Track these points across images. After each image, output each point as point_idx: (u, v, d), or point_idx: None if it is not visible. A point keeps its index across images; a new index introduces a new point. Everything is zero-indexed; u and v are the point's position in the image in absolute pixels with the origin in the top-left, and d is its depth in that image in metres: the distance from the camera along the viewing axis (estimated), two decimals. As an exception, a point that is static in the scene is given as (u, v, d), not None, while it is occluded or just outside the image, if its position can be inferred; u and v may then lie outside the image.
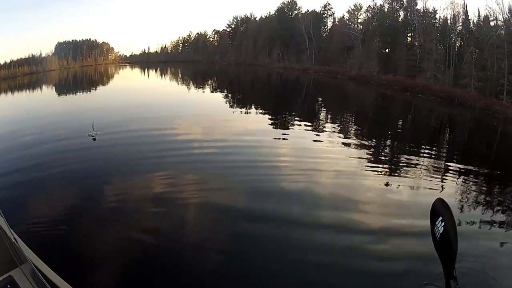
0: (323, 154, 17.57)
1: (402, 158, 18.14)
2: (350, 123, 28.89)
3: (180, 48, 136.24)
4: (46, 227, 9.22)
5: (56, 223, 9.46)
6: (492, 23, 44.53)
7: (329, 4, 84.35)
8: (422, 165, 16.66)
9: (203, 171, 13.87)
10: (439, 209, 2.14)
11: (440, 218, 2.07)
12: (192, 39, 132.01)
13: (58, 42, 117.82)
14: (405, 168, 16.29)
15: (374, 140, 22.24)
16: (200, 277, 7.58)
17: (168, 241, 8.95)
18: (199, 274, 7.65)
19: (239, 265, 8.05)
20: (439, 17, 55.49)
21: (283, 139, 20.96)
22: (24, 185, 12.39)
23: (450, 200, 11.65)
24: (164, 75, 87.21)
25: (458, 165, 16.87)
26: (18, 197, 11.32)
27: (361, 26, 70.63)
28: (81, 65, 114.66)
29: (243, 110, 31.89)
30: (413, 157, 17.88)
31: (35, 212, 10.04)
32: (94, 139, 17.97)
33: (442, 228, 2.02)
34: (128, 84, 63.45)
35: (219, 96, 42.95)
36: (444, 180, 14.46)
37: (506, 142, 25.51)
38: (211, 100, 38.31)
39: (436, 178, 14.63)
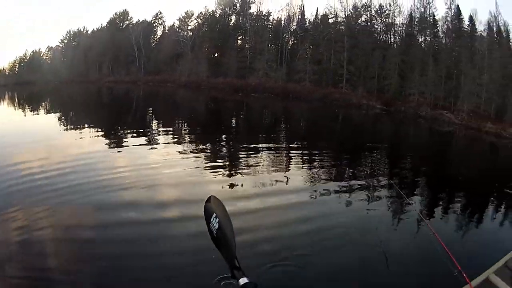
0: (161, 162, 17.13)
1: (244, 153, 18.79)
2: (184, 129, 29.85)
3: (16, 69, 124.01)
4: None
5: None
6: (331, 20, 50.47)
7: (160, 12, 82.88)
8: (266, 155, 17.93)
9: (52, 199, 12.19)
10: (212, 206, 2.15)
11: (214, 215, 2.08)
12: (28, 58, 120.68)
13: None
14: (248, 161, 16.91)
15: (210, 142, 22.60)
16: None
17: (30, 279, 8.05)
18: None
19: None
20: (273, 18, 59.20)
21: (118, 152, 20.57)
22: None
23: (297, 179, 13.74)
24: (2, 100, 76.92)
25: (301, 149, 19.06)
26: None
27: (191, 33, 70.97)
28: None
29: (77, 130, 29.99)
30: (255, 150, 19.25)
31: None
32: None
33: (217, 224, 2.04)
34: None
35: (52, 118, 39.34)
36: (289, 168, 15.50)
37: (348, 124, 29.78)
38: (45, 124, 35.52)
39: (281, 166, 15.90)
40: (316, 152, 18.11)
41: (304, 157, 17.26)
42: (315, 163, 16.14)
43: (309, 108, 36.64)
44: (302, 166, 15.62)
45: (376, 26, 47.91)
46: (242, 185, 13.25)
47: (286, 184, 13.14)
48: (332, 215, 10.51)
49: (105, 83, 78.43)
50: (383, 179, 13.99)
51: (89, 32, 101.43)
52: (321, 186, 12.66)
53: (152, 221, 10.26)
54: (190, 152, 19.51)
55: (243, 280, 1.75)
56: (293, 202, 11.29)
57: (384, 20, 47.15)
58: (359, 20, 47.36)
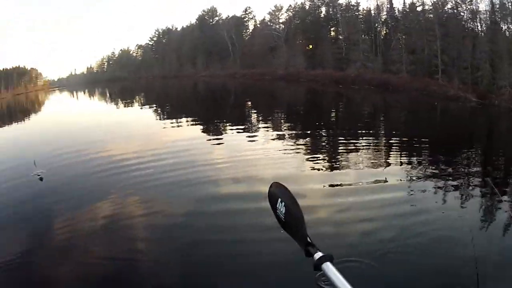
0: (259, 154, 16.99)
1: (342, 147, 18.24)
2: (283, 121, 28.72)
3: (105, 66, 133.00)
4: None
5: (9, 263, 8.37)
6: (419, 8, 47.26)
7: (249, 7, 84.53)
8: (365, 148, 17.20)
9: (149, 189, 13.02)
10: (276, 192, 1.99)
11: (279, 199, 1.92)
12: (116, 56, 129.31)
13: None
14: (346, 155, 16.40)
15: (309, 135, 21.67)
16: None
17: (124, 264, 8.39)
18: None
19: (204, 274, 7.79)
20: (363, 8, 57.31)
21: (218, 144, 20.70)
22: None
23: (396, 177, 12.52)
24: (93, 96, 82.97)
25: (402, 143, 18.00)
26: None
27: (283, 26, 71.14)
28: (13, 94, 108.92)
29: (174, 122, 30.20)
30: (354, 143, 18.31)
31: None
32: (41, 179, 15.17)
33: (284, 208, 1.89)
34: (59, 109, 59.10)
35: (148, 111, 41.37)
36: (389, 161, 14.83)
37: (447, 117, 27.25)
38: (141, 117, 36.93)
39: (377, 160, 14.92)
40: (414, 147, 17.34)
41: (402, 152, 16.70)
42: (413, 158, 15.50)
43: (408, 100, 34.73)
44: (400, 161, 14.87)
45: (462, 14, 43.64)
46: (338, 179, 12.82)
47: (381, 179, 12.50)
48: (421, 212, 9.95)
49: (201, 77, 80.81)
50: (478, 176, 12.88)
51: (178, 29, 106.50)
52: (415, 182, 12.05)
53: (242, 211, 10.37)
54: (289, 145, 18.98)
55: (318, 255, 1.64)
56: (385, 197, 10.94)
57: (468, 7, 43.47)
58: (446, 8, 44.16)
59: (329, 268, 1.52)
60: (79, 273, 8.01)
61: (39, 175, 15.41)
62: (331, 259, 1.55)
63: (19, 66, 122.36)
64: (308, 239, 1.73)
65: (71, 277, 7.90)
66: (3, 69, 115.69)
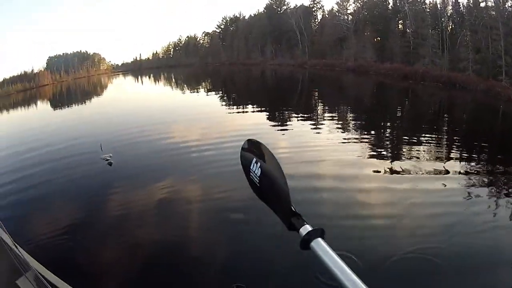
0: (324, 145, 17.88)
1: (405, 144, 18.66)
2: (349, 114, 29.19)
3: (171, 52, 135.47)
4: (49, 238, 9.56)
5: (60, 234, 9.78)
6: (482, 4, 45.17)
7: None
8: (426, 147, 17.35)
9: (209, 174, 14.06)
10: (249, 151, 1.75)
11: (254, 160, 1.67)
12: (183, 43, 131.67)
13: (49, 57, 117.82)
14: (407, 152, 16.75)
15: (373, 129, 22.39)
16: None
17: (173, 250, 9.02)
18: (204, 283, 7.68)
19: (253, 271, 8.01)
20: (429, 2, 55.83)
21: (279, 131, 21.55)
22: (27, 201, 12.61)
23: (454, 183, 12.40)
24: (158, 81, 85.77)
25: (462, 144, 17.89)
26: (20, 210, 11.73)
27: (351, 17, 71.21)
28: (74, 77, 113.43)
29: (240, 109, 31.87)
30: (416, 141, 18.54)
31: (39, 225, 10.34)
32: (110, 164, 16.12)
33: (259, 169, 1.63)
34: (123, 93, 62.23)
35: (214, 98, 42.66)
36: (443, 165, 14.53)
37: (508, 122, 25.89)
38: (207, 102, 38.18)
39: (434, 161, 15.05)
40: (471, 150, 17.02)
41: (461, 155, 16.20)
42: (471, 164, 14.77)
43: (472, 101, 34.78)
44: (458, 166, 14.33)
45: None
46: (398, 178, 13.14)
47: (436, 182, 12.55)
48: (465, 223, 9.70)
49: (269, 66, 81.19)
50: None
51: (246, 17, 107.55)
52: (464, 189, 11.77)
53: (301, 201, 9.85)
54: (352, 138, 19.39)
55: (305, 229, 1.35)
56: (437, 201, 10.87)
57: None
58: (507, 5, 41.56)
59: (320, 246, 1.26)
60: (122, 253, 8.79)
61: (107, 160, 16.26)
62: (322, 235, 1.30)
63: (80, 51, 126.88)
64: (292, 209, 1.45)
65: (112, 255, 8.70)
66: (63, 53, 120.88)
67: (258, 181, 1.62)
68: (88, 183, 14.12)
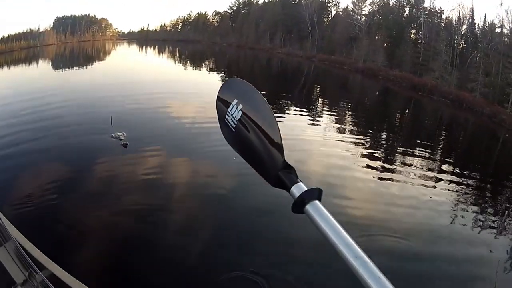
0: (316, 140, 18.41)
1: (399, 154, 18.88)
2: (346, 114, 29.43)
3: (179, 27, 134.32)
4: (32, 207, 9.54)
5: (43, 203, 9.81)
6: (498, 30, 45.71)
7: None
8: (416, 162, 17.57)
9: (193, 153, 14.57)
10: (230, 91, 1.42)
11: (235, 101, 1.34)
12: (192, 19, 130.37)
13: (57, 17, 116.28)
14: (398, 164, 16.91)
15: (368, 133, 22.78)
16: (187, 260, 8.00)
17: (155, 224, 9.39)
18: (186, 259, 8.04)
19: (228, 252, 8.50)
20: (446, 17, 56.30)
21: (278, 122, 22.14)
22: (10, 169, 12.27)
23: (441, 203, 12.81)
24: (162, 53, 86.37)
25: (452, 167, 17.71)
26: (4, 177, 11.50)
27: (365, 18, 71.31)
28: (78, 40, 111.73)
29: None
30: (409, 154, 18.79)
31: (21, 193, 10.20)
32: (125, 146, 14.80)
33: (240, 112, 1.31)
34: (125, 63, 61.02)
35: (215, 76, 43.69)
36: (433, 185, 14.67)
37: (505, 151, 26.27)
38: (208, 81, 39.14)
39: (423, 180, 15.07)
40: (463, 172, 16.76)
41: (451, 175, 15.98)
42: (460, 185, 14.78)
43: (475, 123, 34.97)
44: (446, 185, 14.42)
45: None
46: (383, 183, 13.63)
47: (420, 192, 12.96)
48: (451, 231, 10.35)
49: (277, 53, 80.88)
50: None
51: (259, 2, 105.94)
52: (455, 202, 12.28)
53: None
54: (345, 137, 19.73)
55: (299, 188, 1.09)
56: (419, 207, 11.40)
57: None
58: None
59: (317, 209, 1.04)
60: (105, 225, 9.04)
61: (120, 139, 15.17)
62: (319, 196, 1.07)
63: (89, 14, 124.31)
64: (284, 160, 1.18)
65: (96, 227, 8.93)
66: (71, 15, 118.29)
67: (234, 125, 1.32)
68: (80, 153, 14.18)
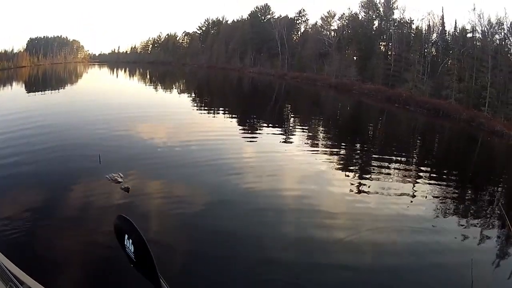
0: (288, 157, 17.96)
1: (374, 165, 18.47)
2: (318, 129, 29.39)
3: (149, 49, 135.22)
4: (11, 228, 9.14)
5: (21, 223, 9.43)
6: (469, 35, 46.10)
7: (304, 10, 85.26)
8: (393, 171, 17.38)
9: (167, 175, 13.83)
10: (121, 226, 2.04)
11: (126, 236, 1.98)
12: (162, 40, 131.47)
13: (30, 38, 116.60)
14: (373, 174, 16.68)
15: (341, 147, 22.60)
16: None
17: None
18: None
19: (196, 266, 8.26)
20: (416, 27, 56.63)
21: (246, 138, 22.15)
22: None
23: (421, 206, 12.87)
24: (133, 75, 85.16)
25: (428, 173, 17.53)
26: None
27: (334, 33, 71.63)
28: (51, 62, 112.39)
29: (210, 113, 32.05)
30: (384, 163, 18.56)
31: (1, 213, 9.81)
32: (127, 190, 12.10)
33: (132, 246, 1.95)
34: (97, 85, 59.07)
35: (186, 98, 43.46)
36: (409, 192, 14.50)
37: (485, 152, 26.72)
38: (178, 102, 38.93)
39: (400, 188, 14.83)
40: (441, 178, 16.73)
41: (429, 182, 15.84)
42: (438, 191, 14.63)
43: (452, 129, 34.93)
44: (424, 193, 14.26)
45: (510, 46, 42.41)
46: (358, 196, 13.50)
47: (403, 208, 12.47)
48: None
49: (248, 73, 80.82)
50: (496, 214, 12.69)
51: (229, 22, 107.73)
52: (437, 219, 11.84)
53: (259, 213, 10.85)
54: (320, 153, 19.70)
55: None
56: (406, 229, 10.81)
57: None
58: (494, 38, 42.66)
59: None
60: (83, 244, 8.79)
61: (119, 182, 12.63)
62: None
63: (61, 36, 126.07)
64: (159, 278, 1.87)
65: (73, 246, 8.66)
66: (44, 36, 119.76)
67: (134, 256, 1.97)
68: (56, 175, 13.37)
